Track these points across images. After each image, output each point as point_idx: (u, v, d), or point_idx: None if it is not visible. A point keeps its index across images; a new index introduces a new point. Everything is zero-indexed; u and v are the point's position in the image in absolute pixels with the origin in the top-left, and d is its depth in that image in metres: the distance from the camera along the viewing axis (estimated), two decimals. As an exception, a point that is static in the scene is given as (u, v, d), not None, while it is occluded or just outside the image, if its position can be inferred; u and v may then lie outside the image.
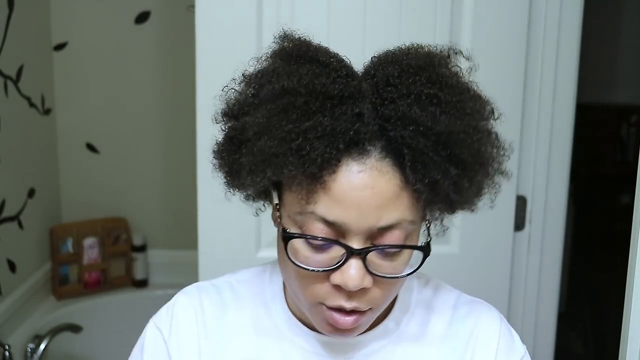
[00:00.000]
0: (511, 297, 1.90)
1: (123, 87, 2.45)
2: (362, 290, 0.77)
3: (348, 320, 0.79)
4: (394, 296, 0.86)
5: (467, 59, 0.93)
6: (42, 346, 2.04)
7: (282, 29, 0.88)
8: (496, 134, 0.86)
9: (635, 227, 0.99)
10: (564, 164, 1.89)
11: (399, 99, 0.76)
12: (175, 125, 2.47)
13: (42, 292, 2.34)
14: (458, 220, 1.79)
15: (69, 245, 2.41)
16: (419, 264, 0.83)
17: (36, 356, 2.04)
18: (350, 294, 0.77)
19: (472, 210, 0.92)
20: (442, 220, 0.91)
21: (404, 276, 0.81)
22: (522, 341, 0.98)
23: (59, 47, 2.41)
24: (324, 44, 0.92)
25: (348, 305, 0.77)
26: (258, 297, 0.95)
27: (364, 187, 0.73)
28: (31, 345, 2.05)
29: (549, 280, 1.94)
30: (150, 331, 0.95)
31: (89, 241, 2.44)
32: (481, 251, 1.82)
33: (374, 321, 0.91)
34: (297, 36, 0.86)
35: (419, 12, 1.64)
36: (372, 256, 0.77)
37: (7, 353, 1.92)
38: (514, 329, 0.99)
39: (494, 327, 0.95)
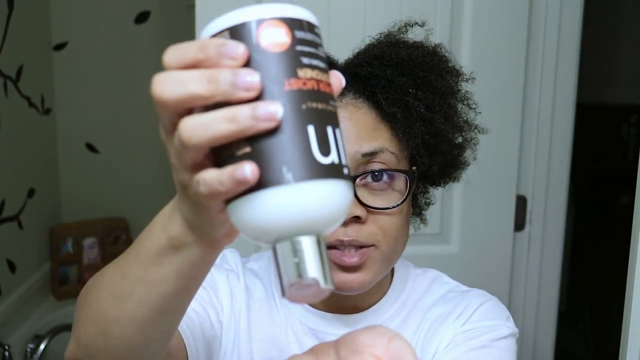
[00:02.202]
0: (511, 297, 1.91)
1: (123, 87, 2.46)
2: (358, 224, 0.84)
3: (353, 259, 0.85)
4: (394, 241, 0.90)
5: (422, 25, 1.03)
6: (42, 346, 2.05)
7: None
8: (456, 68, 0.96)
9: (636, 226, 1.00)
10: (564, 164, 1.89)
11: (365, 59, 0.91)
12: (175, 125, 2.47)
13: (42, 292, 2.34)
14: (458, 220, 1.80)
15: (69, 246, 2.41)
16: (407, 192, 0.89)
17: (36, 356, 2.04)
18: (346, 226, 0.84)
19: (455, 159, 0.98)
20: (426, 178, 0.97)
21: (393, 207, 0.87)
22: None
23: (59, 47, 2.41)
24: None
25: (346, 237, 0.83)
26: (269, 285, 1.01)
27: (342, 119, 0.80)
28: (31, 345, 2.06)
29: (549, 279, 1.95)
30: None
31: (88, 241, 2.44)
32: (481, 251, 1.82)
33: (369, 300, 0.96)
34: None
35: (419, 15, 1.65)
36: (361, 191, 0.85)
37: (7, 353, 1.92)
38: (514, 328, 1.00)
39: (476, 300, 0.97)
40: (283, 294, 0.47)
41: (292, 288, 0.46)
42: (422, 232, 1.08)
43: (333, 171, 0.46)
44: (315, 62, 0.47)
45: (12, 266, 2.11)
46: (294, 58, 0.46)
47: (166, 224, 0.58)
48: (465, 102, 0.98)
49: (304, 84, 0.46)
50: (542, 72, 1.83)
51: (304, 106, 0.46)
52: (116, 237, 2.51)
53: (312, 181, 0.45)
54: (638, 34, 3.47)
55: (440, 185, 1.01)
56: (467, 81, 0.97)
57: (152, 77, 0.47)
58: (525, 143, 1.84)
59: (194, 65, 0.46)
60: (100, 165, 2.51)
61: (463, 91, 0.97)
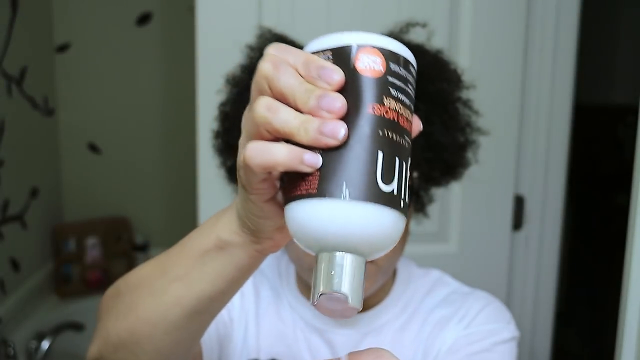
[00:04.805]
0: (509, 296, 1.92)
1: (125, 88, 2.47)
2: None
3: None
4: (391, 254, 0.90)
5: (423, 26, 1.02)
6: (45, 344, 2.06)
7: (260, 26, 0.94)
8: (457, 73, 0.95)
9: (632, 225, 1.00)
10: (562, 164, 1.91)
11: None
12: (177, 125, 2.48)
13: (45, 290, 2.36)
14: (456, 219, 1.81)
15: (72, 245, 2.43)
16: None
17: (39, 354, 2.06)
18: None
19: (456, 163, 0.98)
20: (427, 180, 0.97)
21: None
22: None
23: (62, 48, 2.42)
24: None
25: None
26: (274, 283, 1.03)
27: None
28: (34, 343, 2.07)
29: (547, 279, 1.96)
30: None
31: (91, 240, 2.46)
32: (479, 250, 1.83)
33: (372, 301, 0.97)
34: (275, 32, 0.95)
35: (418, 15, 1.67)
36: None
37: (11, 350, 1.94)
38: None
39: (478, 303, 0.97)
40: (313, 301, 0.49)
41: (322, 297, 0.48)
42: (421, 232, 1.09)
43: (389, 200, 0.48)
44: (401, 96, 0.50)
45: (16, 265, 2.13)
46: (383, 86, 0.49)
47: (215, 225, 0.60)
48: (467, 105, 0.98)
49: (386, 112, 0.49)
50: (540, 73, 1.84)
51: (380, 132, 0.48)
52: (118, 237, 2.52)
53: (366, 203, 0.47)
54: (634, 35, 3.49)
55: (441, 185, 1.02)
56: (467, 88, 0.98)
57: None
58: (523, 143, 1.85)
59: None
60: (102, 165, 2.52)
61: (464, 97, 0.97)
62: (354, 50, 0.49)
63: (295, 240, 0.51)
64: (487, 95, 1.75)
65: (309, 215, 0.48)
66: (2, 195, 2.04)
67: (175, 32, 2.43)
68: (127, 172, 2.55)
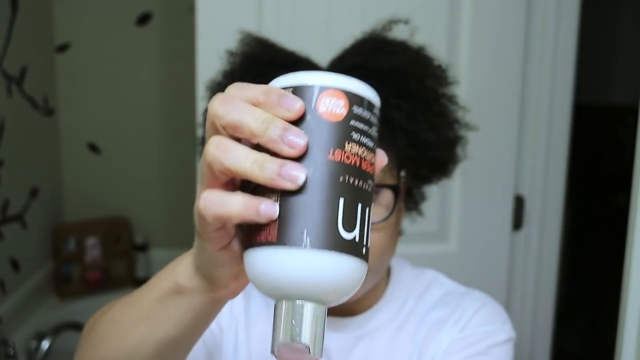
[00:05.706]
0: (509, 297, 1.92)
1: (125, 88, 2.47)
2: None
3: None
4: (380, 256, 0.89)
5: (405, 23, 1.00)
6: (45, 344, 2.06)
7: (243, 31, 0.94)
8: (441, 69, 0.94)
9: (632, 225, 1.00)
10: (562, 164, 1.90)
11: (346, 67, 0.88)
12: (177, 125, 2.48)
13: (45, 290, 2.36)
14: (456, 219, 1.81)
15: (72, 245, 2.43)
16: (392, 206, 0.88)
17: (39, 354, 2.06)
18: None
19: (444, 159, 0.97)
20: (416, 178, 0.96)
21: (379, 222, 0.86)
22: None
23: (62, 48, 2.42)
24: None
25: None
26: None
27: None
28: (34, 343, 2.07)
29: (547, 279, 1.96)
30: None
31: (91, 240, 2.46)
32: (479, 250, 1.83)
33: (366, 304, 0.96)
34: (257, 36, 0.95)
35: (418, 15, 1.67)
36: None
37: (12, 350, 1.94)
38: (511, 328, 1.00)
39: (474, 304, 0.97)
40: (272, 350, 0.48)
41: (282, 347, 0.47)
42: (420, 232, 1.08)
43: (351, 248, 0.47)
44: (364, 140, 0.48)
45: (16, 265, 2.13)
46: (344, 131, 0.47)
47: (175, 268, 0.60)
48: (453, 101, 0.96)
49: (347, 157, 0.47)
50: (540, 73, 1.84)
51: (341, 178, 0.47)
52: (118, 237, 2.52)
53: (328, 252, 0.46)
54: (634, 36, 3.49)
55: (432, 182, 1.01)
56: (450, 84, 0.96)
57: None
58: (523, 143, 1.85)
59: (253, 104, 0.48)
60: (102, 165, 2.52)
61: (448, 93, 0.95)
62: (316, 92, 0.47)
63: (255, 287, 0.50)
64: (487, 95, 1.75)
65: (268, 263, 0.47)
66: (2, 195, 2.04)
67: (175, 32, 2.43)
68: (127, 172, 2.55)
